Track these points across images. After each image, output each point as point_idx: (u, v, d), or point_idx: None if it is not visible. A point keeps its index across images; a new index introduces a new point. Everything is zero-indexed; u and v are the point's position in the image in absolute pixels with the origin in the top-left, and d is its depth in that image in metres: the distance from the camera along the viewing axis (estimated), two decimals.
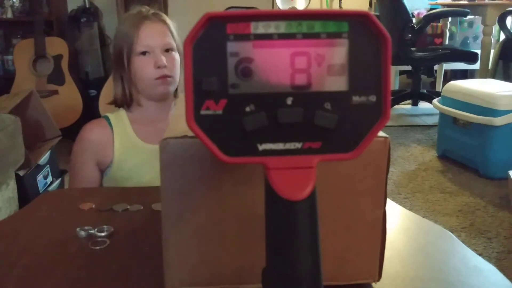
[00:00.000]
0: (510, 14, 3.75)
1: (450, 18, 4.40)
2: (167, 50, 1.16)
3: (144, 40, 1.14)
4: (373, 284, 0.54)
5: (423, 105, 4.19)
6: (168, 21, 1.20)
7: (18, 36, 3.69)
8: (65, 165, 2.69)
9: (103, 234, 0.67)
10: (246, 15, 0.33)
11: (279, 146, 0.35)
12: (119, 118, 1.21)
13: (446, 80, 4.21)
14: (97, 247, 0.64)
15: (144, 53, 1.14)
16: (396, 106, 4.13)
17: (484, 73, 3.77)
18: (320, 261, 0.35)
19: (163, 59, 1.14)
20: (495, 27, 4.02)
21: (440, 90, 3.33)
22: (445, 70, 4.59)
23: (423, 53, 3.79)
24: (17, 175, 1.85)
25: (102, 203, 0.78)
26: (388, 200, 0.54)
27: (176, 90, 1.20)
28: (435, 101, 3.03)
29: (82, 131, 1.21)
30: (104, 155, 1.17)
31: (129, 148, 1.17)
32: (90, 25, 3.60)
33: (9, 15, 3.63)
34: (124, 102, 1.21)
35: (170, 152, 0.48)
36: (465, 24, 4.66)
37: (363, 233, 0.52)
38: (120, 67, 1.18)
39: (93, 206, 0.77)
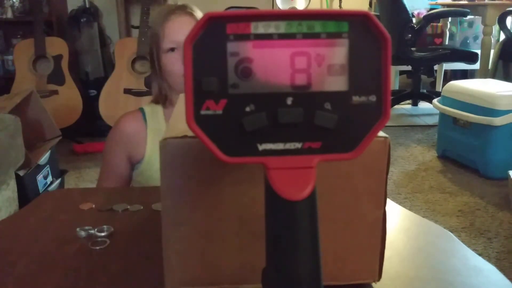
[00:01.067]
0: (510, 14, 3.75)
1: (450, 18, 4.41)
2: None
3: (171, 36, 1.12)
4: (373, 284, 0.54)
5: (423, 105, 4.20)
6: (197, 13, 1.17)
7: (18, 36, 3.69)
8: (65, 165, 2.70)
9: (103, 234, 0.67)
10: (246, 15, 0.33)
11: (279, 146, 0.35)
12: (155, 113, 1.19)
13: (446, 80, 4.21)
14: (97, 247, 0.64)
15: (172, 49, 1.12)
16: (396, 106, 4.13)
17: (484, 73, 3.77)
18: (320, 261, 0.35)
19: None
20: (495, 27, 4.02)
21: (440, 90, 3.33)
22: (445, 70, 4.59)
23: (423, 53, 3.80)
24: (17, 175, 1.85)
25: (102, 203, 0.78)
26: (388, 200, 0.54)
27: None
28: (435, 101, 3.04)
29: (117, 122, 1.19)
30: (136, 150, 1.15)
31: None
32: (90, 25, 3.60)
33: (9, 15, 3.63)
34: (160, 99, 1.20)
35: (170, 152, 0.48)
36: (465, 24, 4.66)
37: (363, 233, 0.52)
38: (153, 65, 1.17)
39: (93, 206, 0.77)
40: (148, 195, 0.80)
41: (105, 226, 0.69)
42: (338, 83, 0.34)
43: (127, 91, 3.17)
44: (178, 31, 1.12)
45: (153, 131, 1.16)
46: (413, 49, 3.72)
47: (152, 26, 1.17)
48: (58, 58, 3.31)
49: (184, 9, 1.15)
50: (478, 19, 4.33)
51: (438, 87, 4.40)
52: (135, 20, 3.73)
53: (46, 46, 3.28)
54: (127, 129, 1.17)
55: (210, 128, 0.34)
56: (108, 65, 3.71)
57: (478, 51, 3.77)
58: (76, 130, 3.26)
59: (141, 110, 1.20)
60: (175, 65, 1.12)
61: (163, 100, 1.19)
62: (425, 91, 4.08)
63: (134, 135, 1.15)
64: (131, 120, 1.18)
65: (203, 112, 0.34)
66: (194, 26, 0.33)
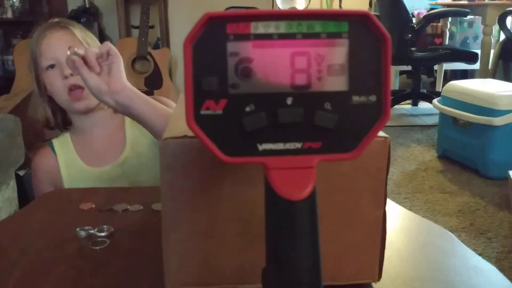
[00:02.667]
0: (510, 14, 3.75)
1: (450, 18, 4.41)
2: None
3: (47, 53, 1.06)
4: (373, 284, 0.54)
5: (423, 105, 4.19)
6: (73, 27, 1.10)
7: (18, 36, 3.69)
8: None
9: (103, 234, 0.67)
10: (246, 15, 0.33)
11: (279, 146, 0.35)
12: (64, 143, 1.14)
13: (446, 80, 4.21)
14: (97, 247, 0.64)
15: (52, 66, 1.06)
16: (396, 106, 4.13)
17: (484, 73, 3.77)
18: (320, 261, 0.35)
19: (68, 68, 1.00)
20: (495, 27, 4.02)
21: (440, 90, 3.33)
22: (445, 70, 4.59)
23: (423, 53, 3.79)
24: (17, 175, 1.85)
25: (102, 203, 0.78)
26: (388, 200, 0.54)
27: None
28: (435, 101, 3.03)
29: (32, 161, 1.16)
30: (57, 183, 1.12)
31: (76, 176, 1.11)
32: (90, 25, 3.60)
33: (9, 15, 3.63)
34: (56, 123, 1.13)
35: (170, 152, 0.48)
36: (465, 24, 4.66)
37: (363, 233, 0.52)
38: (39, 89, 1.09)
39: (93, 206, 0.77)
40: (148, 195, 0.80)
41: (105, 226, 0.69)
42: (338, 83, 0.34)
43: None
44: (55, 47, 1.06)
45: (65, 162, 1.12)
46: (413, 49, 3.72)
47: (31, 46, 1.09)
48: None
49: (58, 24, 1.09)
50: (478, 19, 4.33)
51: (438, 87, 4.40)
52: (135, 20, 3.73)
53: None
54: (41, 167, 1.13)
55: (210, 128, 0.34)
56: None
57: (478, 51, 3.76)
58: None
59: (50, 144, 1.15)
60: (55, 82, 1.06)
61: (61, 125, 1.13)
62: (425, 91, 4.08)
63: (49, 170, 1.12)
64: (42, 157, 1.14)
65: (203, 112, 0.34)
66: (194, 26, 0.33)
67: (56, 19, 1.12)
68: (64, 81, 1.05)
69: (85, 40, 1.10)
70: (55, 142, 1.15)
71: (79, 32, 1.10)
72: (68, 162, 1.12)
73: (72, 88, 1.05)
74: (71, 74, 1.03)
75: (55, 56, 1.06)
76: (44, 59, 1.06)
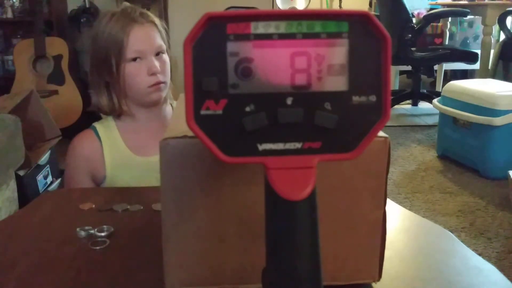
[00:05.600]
0: (510, 14, 3.75)
1: (450, 18, 4.41)
2: (158, 54, 1.08)
3: (135, 45, 1.06)
4: (373, 284, 0.54)
5: (423, 105, 4.20)
6: (157, 21, 1.12)
7: (18, 36, 3.69)
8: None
9: (103, 234, 0.67)
10: (246, 15, 0.33)
11: (279, 146, 0.35)
12: (108, 128, 1.13)
13: (446, 80, 4.21)
14: (97, 247, 0.64)
15: (135, 59, 1.06)
16: (396, 106, 4.13)
17: (484, 73, 3.77)
18: (320, 261, 0.35)
19: (157, 65, 1.06)
20: (495, 27, 4.03)
21: (440, 90, 3.33)
22: (445, 70, 4.60)
23: (423, 53, 3.79)
24: (17, 175, 1.85)
25: (102, 203, 0.78)
26: (388, 200, 0.54)
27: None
28: (435, 101, 3.04)
29: (72, 146, 1.13)
30: (97, 170, 1.09)
31: (121, 163, 1.10)
32: (90, 25, 3.60)
33: (9, 15, 3.63)
34: (113, 111, 1.12)
35: (170, 152, 0.48)
36: (465, 24, 4.66)
37: (363, 233, 0.52)
38: (106, 73, 1.09)
39: (93, 206, 0.77)
40: (148, 195, 0.80)
41: (105, 226, 0.69)
42: (338, 83, 0.34)
43: None
44: (143, 40, 1.07)
45: (109, 147, 1.10)
46: (413, 49, 3.72)
47: (111, 29, 1.07)
48: (58, 58, 3.31)
49: (146, 18, 1.10)
50: (478, 19, 4.34)
51: (438, 87, 4.40)
52: None
53: (46, 46, 3.28)
54: (83, 151, 1.11)
55: (210, 128, 0.34)
56: None
57: (478, 51, 3.77)
58: (76, 130, 3.24)
59: (93, 128, 1.14)
60: (138, 76, 1.06)
61: (116, 111, 1.12)
62: (425, 91, 4.08)
63: (91, 155, 1.10)
64: (85, 141, 1.12)
65: (203, 112, 0.34)
66: (194, 26, 0.33)
67: (138, 10, 1.11)
68: (150, 78, 1.07)
69: (164, 35, 1.13)
70: (99, 126, 1.13)
71: (161, 26, 1.12)
72: (112, 148, 1.10)
73: (155, 85, 1.08)
74: (159, 73, 1.07)
75: (142, 50, 1.07)
76: (130, 51, 1.06)
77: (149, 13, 1.14)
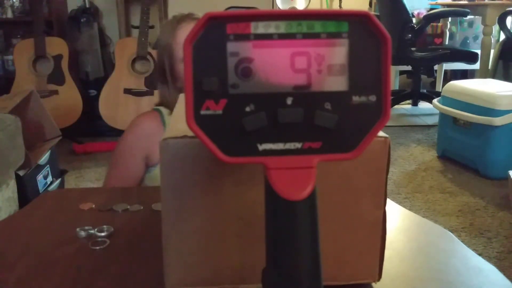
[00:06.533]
0: (510, 14, 3.75)
1: (450, 18, 4.41)
2: None
3: (182, 44, 1.11)
4: (373, 284, 0.54)
5: (423, 105, 4.20)
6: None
7: (18, 36, 3.70)
8: (65, 165, 2.70)
9: (103, 234, 0.67)
10: (246, 15, 0.33)
11: (279, 146, 0.35)
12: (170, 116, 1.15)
13: (446, 80, 4.21)
14: (97, 247, 0.64)
15: None
16: (396, 106, 4.13)
17: (484, 73, 3.77)
18: (320, 261, 0.35)
19: None
20: (495, 27, 4.03)
21: (440, 90, 3.33)
22: (445, 70, 4.60)
23: (423, 53, 3.80)
24: (17, 175, 1.85)
25: (102, 203, 0.78)
26: (388, 200, 0.54)
27: None
28: (435, 101, 3.04)
29: (134, 122, 1.14)
30: (154, 152, 1.09)
31: None
32: (90, 25, 3.61)
33: (9, 15, 3.64)
34: (171, 107, 1.15)
35: (170, 152, 0.48)
36: (465, 24, 4.66)
37: (363, 233, 0.52)
38: (164, 78, 1.15)
39: (93, 206, 0.77)
40: (148, 195, 0.80)
41: (105, 226, 0.69)
42: (338, 83, 0.34)
43: (127, 91, 3.17)
44: None
45: None
46: (413, 49, 3.72)
47: (162, 39, 1.16)
48: (58, 58, 3.31)
49: (191, 16, 1.16)
50: (478, 19, 4.34)
51: (438, 87, 4.40)
52: (135, 20, 3.73)
53: (46, 46, 3.28)
54: (146, 129, 1.12)
55: (210, 128, 0.34)
56: (108, 65, 3.71)
57: (478, 51, 3.77)
58: (76, 130, 3.26)
59: (159, 111, 1.15)
60: None
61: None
62: (425, 91, 4.08)
63: (153, 135, 1.10)
64: (150, 120, 1.13)
65: (203, 112, 0.34)
66: (194, 26, 0.33)
67: (186, 13, 1.17)
68: None
69: None
70: (164, 111, 1.15)
71: None
72: None
73: None
74: None
75: None
76: (181, 52, 1.09)
77: (195, 13, 1.18)
